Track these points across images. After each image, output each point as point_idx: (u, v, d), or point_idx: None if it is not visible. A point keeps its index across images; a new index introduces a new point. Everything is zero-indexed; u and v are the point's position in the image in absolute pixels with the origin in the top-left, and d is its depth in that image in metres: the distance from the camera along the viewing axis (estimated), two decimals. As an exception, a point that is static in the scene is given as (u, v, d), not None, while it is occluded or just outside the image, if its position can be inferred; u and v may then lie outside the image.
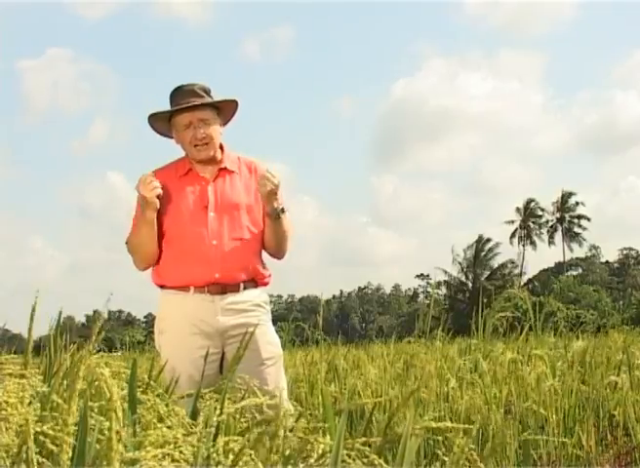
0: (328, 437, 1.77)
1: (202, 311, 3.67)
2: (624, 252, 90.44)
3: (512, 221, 78.71)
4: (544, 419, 4.39)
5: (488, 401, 4.38)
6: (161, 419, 1.79)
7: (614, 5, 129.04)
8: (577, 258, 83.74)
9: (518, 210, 79.10)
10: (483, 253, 71.97)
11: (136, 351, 12.22)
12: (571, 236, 79.14)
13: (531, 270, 78.11)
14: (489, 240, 72.50)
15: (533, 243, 78.10)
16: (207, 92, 3.83)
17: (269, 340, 3.77)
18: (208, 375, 3.31)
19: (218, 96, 3.86)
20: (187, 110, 3.73)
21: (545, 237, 79.29)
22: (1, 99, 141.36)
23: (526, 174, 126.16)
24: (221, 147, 3.89)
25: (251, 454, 1.63)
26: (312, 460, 1.67)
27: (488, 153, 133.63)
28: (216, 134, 3.80)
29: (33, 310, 2.06)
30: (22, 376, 1.84)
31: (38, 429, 1.51)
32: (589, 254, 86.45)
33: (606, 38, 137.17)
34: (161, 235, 3.78)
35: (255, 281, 3.82)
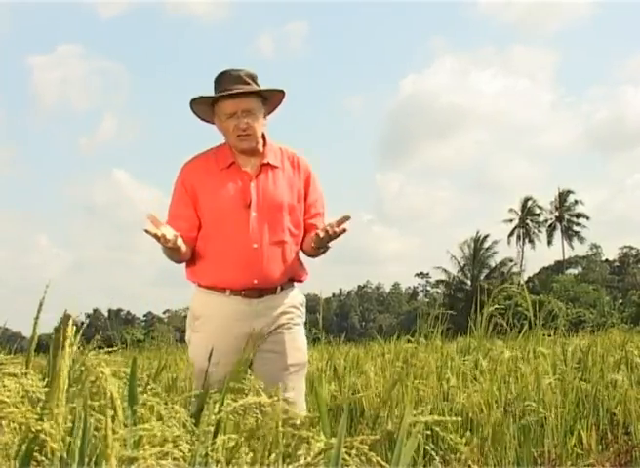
0: (323, 435, 1.77)
1: (237, 314, 3.57)
2: (624, 250, 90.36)
3: (511, 220, 78.64)
4: (544, 418, 4.40)
5: (487, 399, 4.38)
6: (161, 418, 1.79)
7: (626, 2, 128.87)
8: (576, 257, 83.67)
9: (512, 210, 79.01)
10: (481, 252, 71.95)
11: (135, 350, 12.22)
12: (570, 235, 79.06)
13: (530, 269, 78.08)
14: (487, 236, 72.48)
15: (531, 241, 78.06)
16: (253, 79, 3.65)
17: (297, 346, 3.66)
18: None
19: (263, 84, 3.69)
20: (232, 98, 3.57)
21: (544, 236, 79.25)
22: (10, 95, 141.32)
23: (534, 171, 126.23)
24: (264, 138, 3.72)
25: (247, 452, 1.64)
26: (310, 458, 1.67)
27: (496, 151, 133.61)
28: (259, 125, 3.63)
29: (40, 306, 2.06)
30: (24, 375, 1.84)
31: (38, 428, 1.52)
32: (590, 253, 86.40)
33: (619, 33, 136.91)
34: (198, 228, 3.65)
35: (292, 280, 3.73)
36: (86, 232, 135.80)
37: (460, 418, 2.04)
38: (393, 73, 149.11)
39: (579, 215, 78.72)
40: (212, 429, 1.60)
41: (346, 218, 3.48)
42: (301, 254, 3.80)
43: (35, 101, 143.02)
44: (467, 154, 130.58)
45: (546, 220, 79.45)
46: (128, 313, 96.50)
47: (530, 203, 79.01)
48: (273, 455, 1.65)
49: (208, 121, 3.76)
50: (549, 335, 6.12)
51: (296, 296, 3.73)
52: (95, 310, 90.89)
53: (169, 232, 3.39)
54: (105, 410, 1.51)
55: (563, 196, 79.13)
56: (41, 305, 2.06)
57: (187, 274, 3.76)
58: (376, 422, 2.61)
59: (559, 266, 78.95)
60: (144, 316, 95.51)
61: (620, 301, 64.90)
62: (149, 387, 2.05)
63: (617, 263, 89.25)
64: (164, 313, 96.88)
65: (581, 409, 4.84)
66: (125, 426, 1.61)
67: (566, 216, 78.65)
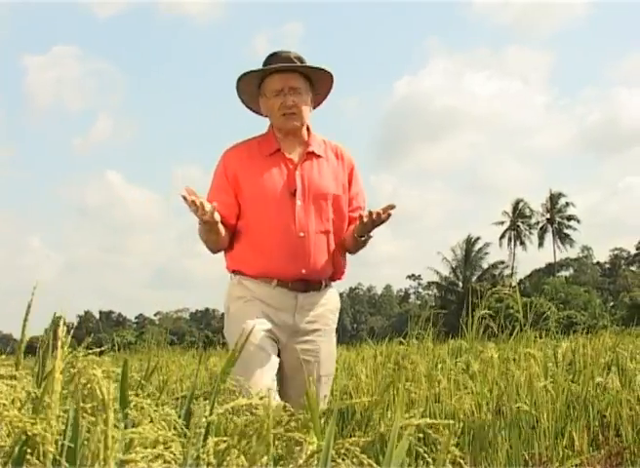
0: (315, 437, 1.77)
1: (282, 305, 3.52)
2: (615, 252, 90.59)
3: (502, 222, 78.79)
4: (536, 420, 4.41)
5: (478, 401, 4.39)
6: (152, 420, 1.79)
7: (622, 1, 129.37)
8: (568, 259, 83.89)
9: (505, 212, 79.16)
10: (473, 254, 72.09)
11: (127, 352, 12.21)
12: (560, 237, 79.23)
13: (522, 271, 78.28)
14: (478, 238, 72.65)
15: (523, 243, 78.21)
16: (302, 61, 3.59)
17: (332, 357, 3.69)
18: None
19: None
20: (280, 73, 3.53)
21: (535, 238, 79.41)
22: (4, 95, 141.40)
23: (527, 174, 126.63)
24: (307, 128, 3.69)
25: (238, 454, 1.64)
26: (301, 461, 1.67)
27: (489, 153, 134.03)
28: (306, 105, 3.60)
29: (29, 308, 2.06)
30: (13, 377, 1.84)
31: (32, 430, 1.52)
32: (581, 255, 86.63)
33: (613, 35, 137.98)
34: (240, 215, 3.59)
35: (333, 276, 3.70)
36: (78, 233, 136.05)
37: (452, 421, 2.05)
38: (388, 75, 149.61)
39: (570, 218, 78.91)
40: (203, 431, 1.59)
41: (391, 207, 3.44)
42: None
43: (30, 102, 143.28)
44: (461, 156, 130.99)
45: (538, 223, 79.65)
46: (119, 315, 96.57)
47: (521, 205, 79.18)
48: (265, 458, 1.65)
49: (252, 108, 3.74)
50: (541, 337, 6.13)
51: (335, 299, 3.72)
52: (86, 312, 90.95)
53: (207, 204, 3.30)
54: (98, 413, 1.51)
55: (554, 198, 79.30)
56: (29, 307, 2.06)
57: (229, 263, 3.67)
58: (368, 425, 2.64)
59: (550, 268, 79.12)
60: (136, 318, 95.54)
61: (612, 303, 65.11)
62: (140, 389, 2.05)
63: (608, 265, 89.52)
64: (155, 315, 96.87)
65: (572, 410, 4.85)
66: (116, 428, 1.61)
67: (557, 219, 78.81)
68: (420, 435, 1.92)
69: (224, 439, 1.68)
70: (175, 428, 1.73)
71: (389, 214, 3.42)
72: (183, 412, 1.94)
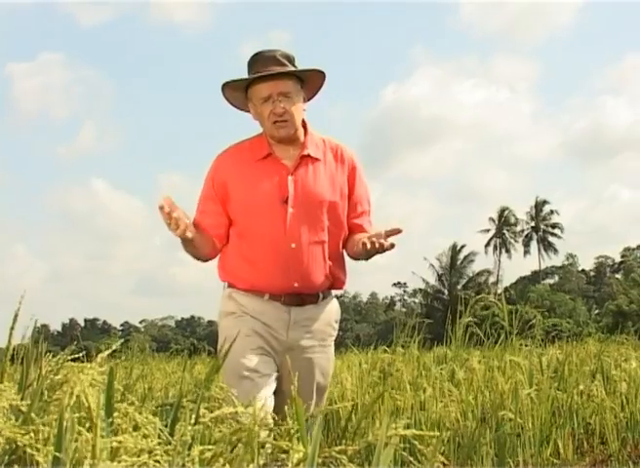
0: (301, 445, 1.77)
1: (274, 321, 3.31)
2: (600, 260, 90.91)
3: (488, 230, 78.97)
4: (521, 427, 4.41)
5: (464, 409, 4.39)
6: (137, 428, 1.79)
7: (609, 9, 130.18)
8: (553, 267, 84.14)
9: (491, 219, 79.36)
10: (459, 262, 72.20)
11: (112, 359, 12.15)
12: (545, 245, 79.51)
13: (508, 278, 78.44)
14: (464, 246, 72.78)
15: (508, 251, 78.41)
16: (290, 60, 3.36)
17: (327, 371, 3.48)
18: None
19: (301, 66, 3.41)
20: (266, 80, 3.27)
21: (521, 246, 79.66)
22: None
23: (514, 182, 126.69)
24: (304, 126, 3.44)
25: (224, 463, 1.64)
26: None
27: (476, 161, 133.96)
28: (297, 110, 3.33)
29: (15, 317, 2.05)
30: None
31: (20, 440, 1.51)
32: (566, 263, 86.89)
33: (599, 43, 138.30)
34: (226, 225, 3.39)
35: (332, 287, 3.46)
36: (64, 241, 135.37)
37: (437, 433, 2.05)
38: (375, 82, 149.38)
39: (554, 226, 79.17)
40: (189, 439, 1.59)
41: (397, 231, 3.19)
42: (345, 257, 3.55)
43: (15, 109, 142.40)
44: (447, 164, 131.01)
45: (523, 230, 79.90)
46: (104, 322, 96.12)
47: (507, 213, 79.38)
48: (251, 466, 1.64)
49: (242, 109, 3.48)
50: (526, 345, 6.14)
51: (335, 311, 3.51)
52: (71, 319, 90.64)
53: (182, 218, 3.08)
54: (84, 421, 1.51)
55: (539, 206, 79.55)
56: (16, 316, 2.05)
57: (220, 274, 3.48)
58: (356, 433, 2.60)
59: (536, 276, 79.29)
60: (121, 325, 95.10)
61: (597, 311, 65.22)
62: (125, 397, 2.05)
63: (593, 273, 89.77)
64: (141, 322, 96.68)
65: (557, 418, 4.85)
66: (102, 437, 1.61)
67: (542, 227, 79.07)
68: (407, 445, 1.92)
69: (210, 448, 1.68)
70: (159, 436, 1.73)
71: (393, 245, 3.19)
72: (169, 420, 1.93)
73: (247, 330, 3.28)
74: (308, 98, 3.46)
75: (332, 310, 3.48)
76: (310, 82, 3.41)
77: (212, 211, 3.39)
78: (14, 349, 2.08)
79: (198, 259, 3.44)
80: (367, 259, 3.42)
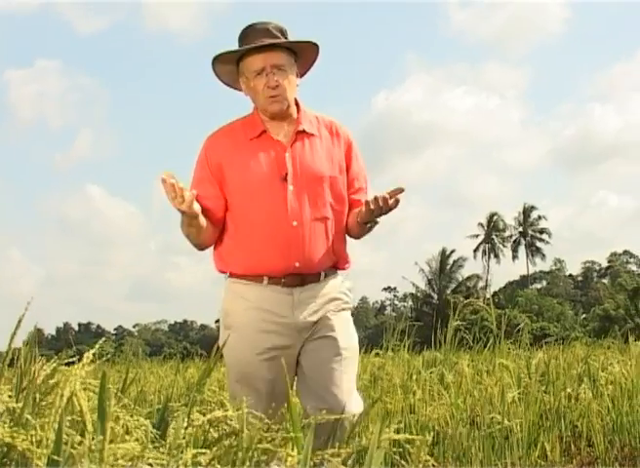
0: (296, 450, 1.77)
1: (277, 305, 3.08)
2: (587, 265, 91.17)
3: (477, 235, 79.09)
4: (509, 430, 4.41)
5: (453, 412, 4.39)
6: (128, 431, 1.78)
7: (598, 17, 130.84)
8: (541, 272, 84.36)
9: (480, 224, 79.51)
10: (448, 267, 72.28)
11: (105, 363, 12.15)
12: (532, 250, 79.71)
13: (497, 283, 78.55)
14: (453, 251, 72.88)
15: (497, 256, 78.57)
16: (283, 33, 3.18)
17: (350, 331, 3.21)
18: (281, 376, 2.84)
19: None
20: (259, 52, 3.09)
21: (509, 251, 79.86)
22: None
23: (504, 188, 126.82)
24: (297, 103, 3.26)
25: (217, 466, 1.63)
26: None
27: (466, 168, 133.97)
28: (291, 84, 3.15)
29: (19, 323, 2.04)
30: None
31: (14, 442, 1.51)
32: (554, 268, 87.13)
33: (587, 50, 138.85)
34: (224, 209, 3.18)
35: (336, 267, 3.25)
36: (59, 247, 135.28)
37: (426, 438, 2.05)
38: (366, 89, 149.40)
39: (542, 231, 79.37)
40: (183, 443, 1.59)
41: (400, 190, 3.03)
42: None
43: (11, 116, 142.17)
44: (438, 170, 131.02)
45: (511, 236, 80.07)
46: (98, 327, 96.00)
47: (495, 218, 79.53)
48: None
49: (232, 86, 3.30)
50: (514, 349, 6.15)
51: (341, 283, 3.26)
52: (65, 324, 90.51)
53: (186, 191, 2.90)
54: (78, 425, 1.51)
55: (527, 212, 79.73)
56: (20, 322, 2.04)
57: (217, 263, 3.26)
58: (349, 436, 2.58)
59: (524, 281, 79.44)
60: (115, 329, 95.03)
61: (584, 315, 65.35)
62: (118, 400, 2.04)
63: (580, 278, 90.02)
64: (134, 327, 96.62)
65: (545, 421, 4.86)
66: (95, 440, 1.60)
67: (530, 232, 79.25)
68: (400, 449, 1.92)
69: (203, 451, 1.68)
70: (150, 439, 1.72)
71: (397, 200, 3.03)
72: (160, 423, 1.93)
73: (251, 329, 3.10)
74: (301, 75, 3.29)
75: (337, 283, 3.24)
76: (304, 56, 3.24)
77: (209, 194, 3.15)
78: (8, 353, 2.07)
79: (196, 246, 3.22)
80: (361, 232, 3.29)
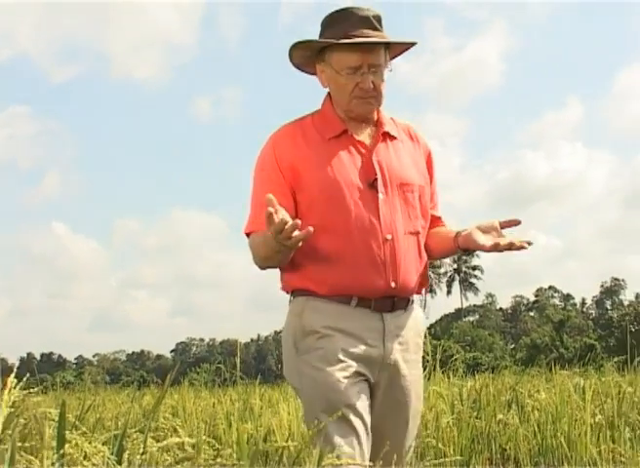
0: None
1: (367, 332, 2.48)
2: (516, 299, 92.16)
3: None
4: (443, 453, 4.42)
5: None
6: (87, 457, 1.76)
7: (530, 72, 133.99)
8: (474, 305, 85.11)
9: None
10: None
11: (66, 391, 11.98)
12: (466, 286, 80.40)
13: (433, 316, 79.12)
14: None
15: (432, 291, 79.09)
16: (380, 22, 2.56)
17: (421, 394, 2.67)
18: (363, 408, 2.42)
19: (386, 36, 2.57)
20: (359, 47, 2.48)
21: (444, 286, 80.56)
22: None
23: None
24: None
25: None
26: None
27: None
28: (384, 86, 2.57)
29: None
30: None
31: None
32: (486, 302, 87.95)
33: (522, 101, 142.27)
34: (301, 215, 2.48)
35: (418, 289, 2.65)
36: (25, 280, 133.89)
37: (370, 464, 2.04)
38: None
39: (475, 268, 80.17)
40: None
41: (516, 222, 2.62)
42: None
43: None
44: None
45: (446, 272, 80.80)
46: (59, 356, 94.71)
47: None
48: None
49: (302, 69, 2.68)
50: (448, 377, 6.17)
51: (422, 319, 2.71)
52: (28, 354, 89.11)
53: (290, 220, 2.19)
54: (36, 452, 1.49)
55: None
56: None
57: (288, 280, 2.60)
58: (295, 462, 2.47)
59: (459, 314, 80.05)
60: (75, 359, 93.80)
61: (513, 346, 65.90)
62: (76, 427, 2.02)
63: (509, 311, 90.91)
64: (94, 356, 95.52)
65: (477, 445, 4.88)
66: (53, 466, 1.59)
67: (464, 268, 79.98)
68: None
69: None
70: (107, 465, 1.71)
71: (530, 243, 2.55)
72: (117, 449, 1.91)
73: (338, 351, 2.45)
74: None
75: (420, 317, 2.70)
76: (393, 51, 2.63)
77: (283, 202, 2.39)
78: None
79: (269, 267, 2.58)
80: (443, 256, 2.82)
